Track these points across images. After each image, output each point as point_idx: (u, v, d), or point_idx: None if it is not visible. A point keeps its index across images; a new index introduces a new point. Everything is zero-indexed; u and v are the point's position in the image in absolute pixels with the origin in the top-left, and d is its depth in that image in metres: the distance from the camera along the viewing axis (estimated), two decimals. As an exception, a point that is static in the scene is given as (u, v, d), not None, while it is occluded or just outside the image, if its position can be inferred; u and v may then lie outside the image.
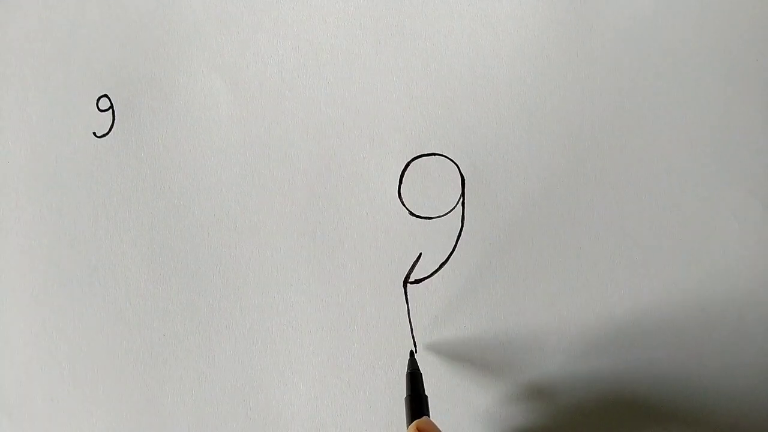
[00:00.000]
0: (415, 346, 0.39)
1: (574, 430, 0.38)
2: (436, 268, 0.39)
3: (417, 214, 0.40)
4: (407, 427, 0.35)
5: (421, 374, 0.37)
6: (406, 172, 0.40)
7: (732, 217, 0.39)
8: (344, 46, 0.40)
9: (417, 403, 0.36)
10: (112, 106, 0.41)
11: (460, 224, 0.39)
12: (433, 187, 0.39)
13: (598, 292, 0.39)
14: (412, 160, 0.40)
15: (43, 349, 0.41)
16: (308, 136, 0.40)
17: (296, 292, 0.40)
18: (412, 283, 0.39)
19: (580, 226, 0.39)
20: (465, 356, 0.39)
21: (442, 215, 0.39)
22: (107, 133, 0.41)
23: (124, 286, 0.40)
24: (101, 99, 0.41)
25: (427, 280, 0.39)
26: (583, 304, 0.39)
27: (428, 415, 0.36)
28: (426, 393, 0.37)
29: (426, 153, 0.40)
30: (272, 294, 0.40)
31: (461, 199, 0.39)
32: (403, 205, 0.40)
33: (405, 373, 0.38)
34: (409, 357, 0.38)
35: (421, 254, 0.39)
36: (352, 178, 0.40)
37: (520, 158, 0.39)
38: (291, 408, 0.40)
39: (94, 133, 0.41)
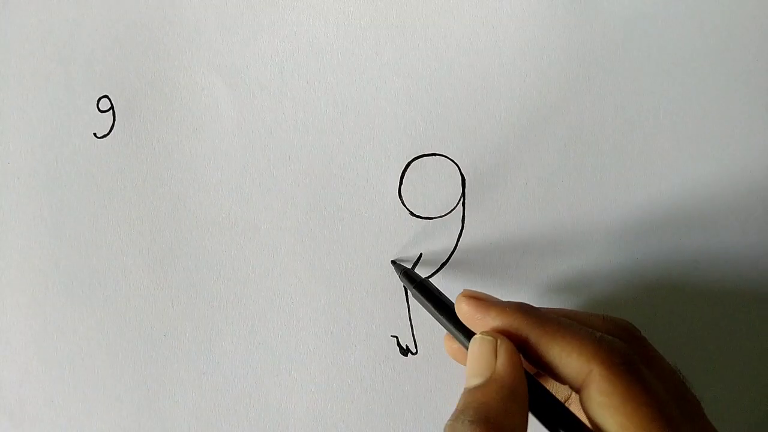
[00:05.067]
0: (416, 346, 0.39)
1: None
2: (437, 268, 0.39)
3: (417, 214, 0.40)
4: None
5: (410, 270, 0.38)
6: (406, 172, 0.40)
7: (732, 217, 0.39)
8: (344, 46, 0.40)
9: (427, 288, 0.35)
10: (112, 107, 0.41)
11: (460, 224, 0.39)
12: (434, 187, 0.40)
13: (599, 293, 0.39)
14: (413, 160, 0.40)
15: (43, 350, 0.41)
16: (308, 136, 0.40)
17: (296, 293, 0.40)
18: (412, 283, 0.39)
19: (580, 226, 0.39)
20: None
21: (443, 215, 0.40)
22: (108, 134, 0.41)
23: (125, 287, 0.40)
24: (102, 100, 0.41)
25: (428, 280, 0.39)
26: (583, 304, 0.39)
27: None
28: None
29: (426, 153, 0.40)
30: (272, 294, 0.40)
31: (462, 200, 0.39)
32: (404, 205, 0.40)
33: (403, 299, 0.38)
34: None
35: (421, 254, 0.39)
36: (352, 178, 0.40)
37: (521, 158, 0.39)
38: (291, 408, 0.40)
39: (95, 134, 0.41)
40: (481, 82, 0.40)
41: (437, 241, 0.39)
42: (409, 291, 0.36)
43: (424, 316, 0.39)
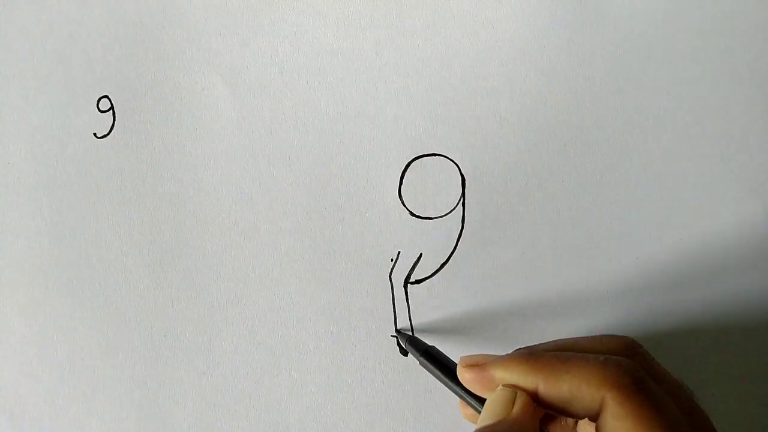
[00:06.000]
0: (416, 346, 0.39)
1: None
2: (437, 268, 0.39)
3: (417, 214, 0.40)
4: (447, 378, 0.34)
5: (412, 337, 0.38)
6: (406, 173, 0.40)
7: (732, 217, 0.39)
8: (344, 46, 0.40)
9: (433, 356, 0.36)
10: (112, 107, 0.41)
11: (460, 224, 0.39)
12: (434, 188, 0.40)
13: (599, 293, 0.39)
14: (413, 160, 0.40)
15: (43, 349, 0.41)
16: (308, 136, 0.40)
17: (296, 292, 0.40)
18: (412, 283, 0.39)
19: (580, 226, 0.39)
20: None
21: (443, 215, 0.40)
22: (108, 134, 0.41)
23: (125, 287, 0.40)
24: (102, 100, 0.41)
25: (428, 280, 0.39)
26: (583, 304, 0.39)
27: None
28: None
29: (426, 153, 0.40)
30: (272, 294, 0.40)
31: (462, 200, 0.39)
32: (404, 205, 0.40)
33: (400, 353, 0.38)
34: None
35: (421, 255, 0.39)
36: (352, 178, 0.40)
37: (521, 158, 0.39)
38: (291, 408, 0.40)
39: (95, 134, 0.41)
40: (481, 82, 0.40)
41: (437, 241, 0.39)
42: (417, 358, 0.36)
43: (424, 316, 0.39)
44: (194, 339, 0.40)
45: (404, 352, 0.39)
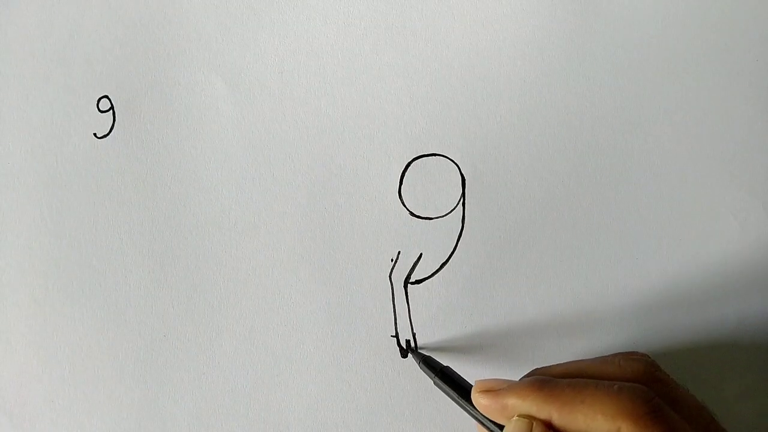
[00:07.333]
0: (416, 346, 0.39)
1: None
2: (437, 268, 0.39)
3: (417, 214, 0.40)
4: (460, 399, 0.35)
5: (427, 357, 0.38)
6: (406, 173, 0.40)
7: (732, 217, 0.39)
8: (344, 46, 0.40)
9: (449, 377, 0.36)
10: (112, 107, 0.41)
11: (460, 225, 0.39)
12: (434, 188, 0.40)
13: (598, 292, 0.39)
14: (413, 160, 0.40)
15: (43, 350, 0.40)
16: (308, 136, 0.40)
17: (296, 292, 0.40)
18: (412, 283, 0.39)
19: (580, 226, 0.39)
20: (465, 357, 0.39)
21: (443, 215, 0.40)
22: (108, 134, 0.41)
23: (124, 287, 0.40)
24: (102, 100, 0.41)
25: (428, 280, 0.39)
26: (583, 304, 0.39)
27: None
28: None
29: (426, 153, 0.40)
30: (272, 294, 0.40)
31: (462, 200, 0.39)
32: (404, 205, 0.40)
33: (417, 366, 0.38)
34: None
35: (421, 255, 0.39)
36: (352, 178, 0.40)
37: (521, 158, 0.39)
38: (291, 408, 0.40)
39: (95, 134, 0.41)
40: (481, 83, 0.40)
41: (437, 241, 0.39)
42: (431, 379, 0.37)
43: (424, 316, 0.39)
44: (194, 339, 0.40)
45: (404, 353, 0.39)
